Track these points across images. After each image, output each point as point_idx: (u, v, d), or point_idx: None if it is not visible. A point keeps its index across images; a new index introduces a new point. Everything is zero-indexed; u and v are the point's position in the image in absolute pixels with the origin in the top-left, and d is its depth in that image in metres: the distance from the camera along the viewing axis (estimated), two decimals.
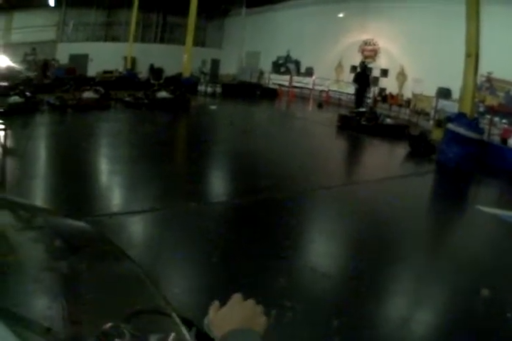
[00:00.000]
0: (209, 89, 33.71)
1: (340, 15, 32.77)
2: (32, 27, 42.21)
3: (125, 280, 1.98)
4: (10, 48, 41.64)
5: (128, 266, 2.07)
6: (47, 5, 41.35)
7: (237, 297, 1.50)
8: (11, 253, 1.86)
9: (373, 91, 28.49)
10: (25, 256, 1.91)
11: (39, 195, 10.49)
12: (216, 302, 1.50)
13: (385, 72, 30.50)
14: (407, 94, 27.11)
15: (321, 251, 7.93)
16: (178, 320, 1.77)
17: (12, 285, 1.69)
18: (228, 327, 1.34)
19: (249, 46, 42.21)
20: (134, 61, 41.67)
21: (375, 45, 31.33)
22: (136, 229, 8.72)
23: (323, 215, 9.88)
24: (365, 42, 31.81)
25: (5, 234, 1.94)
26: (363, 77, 24.94)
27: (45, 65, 37.88)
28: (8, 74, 33.78)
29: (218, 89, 33.71)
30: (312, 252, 7.84)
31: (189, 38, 31.53)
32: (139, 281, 1.95)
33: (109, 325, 1.60)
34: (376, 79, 30.39)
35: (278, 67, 39.21)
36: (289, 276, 6.42)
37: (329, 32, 33.18)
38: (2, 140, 14.40)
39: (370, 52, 31.62)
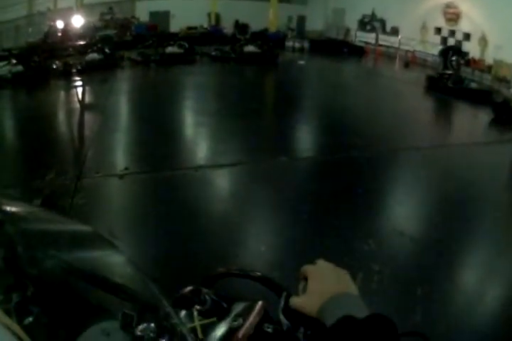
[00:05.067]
0: (297, 45, 34.08)
1: None
2: None
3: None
4: (85, 9, 42.74)
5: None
6: None
7: (323, 263, 1.46)
8: None
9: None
10: None
11: (121, 150, 10.59)
12: (306, 266, 1.43)
13: (467, 36, 29.25)
14: (489, 59, 26.52)
15: (404, 212, 8.01)
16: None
17: None
18: (326, 294, 1.31)
19: (335, 3, 42.39)
20: (217, 17, 41.75)
21: (456, 8, 30.04)
22: (223, 182, 8.66)
23: (410, 177, 9.61)
24: (447, 5, 30.62)
25: None
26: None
27: (125, 23, 38.54)
28: (85, 33, 34.57)
29: (306, 45, 33.93)
30: (396, 213, 7.95)
31: None
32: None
33: (188, 288, 1.57)
34: (459, 43, 29.20)
35: (363, 25, 38.69)
36: (371, 233, 6.58)
37: None
38: (83, 97, 14.30)
39: (452, 15, 30.46)
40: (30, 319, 1.16)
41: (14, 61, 23.60)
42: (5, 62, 24.49)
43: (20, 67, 22.87)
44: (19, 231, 1.48)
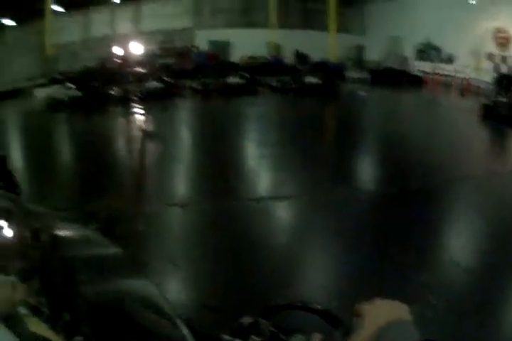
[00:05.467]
0: (356, 75, 34.29)
1: (472, 1, 31.88)
2: (163, 15, 44.33)
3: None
4: (143, 36, 43.80)
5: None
6: None
7: (379, 301, 1.41)
8: None
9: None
10: None
11: (183, 179, 10.58)
12: (361, 304, 1.35)
13: None
14: None
15: (466, 245, 7.71)
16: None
17: None
18: (381, 321, 1.32)
19: (392, 32, 41.71)
20: (277, 47, 42.30)
21: (506, 32, 30.28)
22: (285, 213, 8.56)
23: (467, 207, 9.34)
24: (498, 30, 30.75)
25: None
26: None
27: (184, 52, 39.19)
28: (144, 61, 35.20)
29: (366, 75, 34.13)
30: (453, 243, 7.73)
31: (332, 24, 32.04)
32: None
33: (247, 319, 1.59)
34: (510, 69, 29.37)
35: (420, 53, 39.24)
36: (428, 263, 6.50)
37: (465, 18, 32.57)
38: (143, 124, 14.30)
39: (502, 39, 30.69)
40: (80, 338, 1.14)
41: (71, 85, 24.12)
42: (62, 85, 25.12)
43: (77, 91, 23.34)
44: (73, 253, 1.53)
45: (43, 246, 1.74)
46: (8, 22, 44.40)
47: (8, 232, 1.87)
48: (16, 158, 12.22)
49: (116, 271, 1.84)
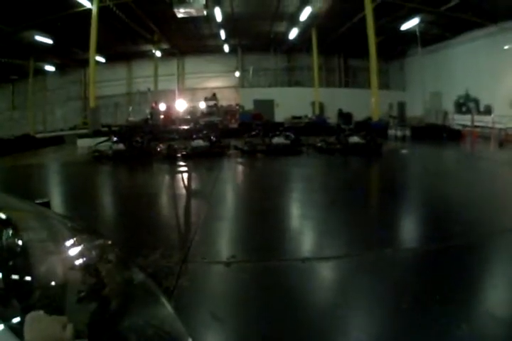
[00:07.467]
0: (399, 133, 34.89)
1: (507, 46, 32.75)
2: (207, 72, 45.61)
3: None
4: (187, 93, 44.86)
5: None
6: (221, 51, 44.65)
7: None
8: None
9: None
10: None
11: (228, 238, 10.71)
12: None
13: None
14: None
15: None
16: None
17: None
18: None
19: (431, 86, 43.14)
20: (321, 106, 43.39)
21: None
22: (330, 275, 8.57)
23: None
24: None
25: None
26: None
27: (230, 110, 39.98)
28: (189, 118, 35.98)
29: (407, 133, 34.53)
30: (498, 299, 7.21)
31: (374, 82, 32.71)
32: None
33: None
34: None
35: (459, 106, 40.37)
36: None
37: (501, 65, 33.62)
38: (187, 182, 14.75)
39: None
40: None
41: (115, 138, 24.89)
42: (105, 138, 26.00)
43: (121, 145, 24.09)
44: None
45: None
46: (48, 67, 46.31)
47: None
48: (59, 207, 12.74)
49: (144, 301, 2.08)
